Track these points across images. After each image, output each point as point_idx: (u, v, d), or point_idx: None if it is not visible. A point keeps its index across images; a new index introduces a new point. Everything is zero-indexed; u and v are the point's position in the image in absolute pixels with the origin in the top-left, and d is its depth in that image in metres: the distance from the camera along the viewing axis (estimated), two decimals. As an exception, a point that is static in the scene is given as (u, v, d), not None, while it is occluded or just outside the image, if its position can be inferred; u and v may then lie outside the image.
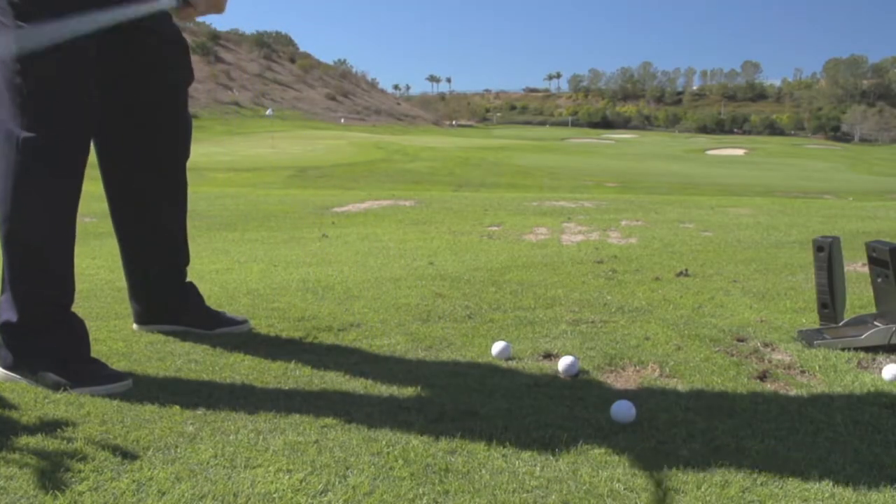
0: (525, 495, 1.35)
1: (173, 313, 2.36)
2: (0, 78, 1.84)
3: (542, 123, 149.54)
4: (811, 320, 2.64)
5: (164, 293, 2.35)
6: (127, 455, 1.46)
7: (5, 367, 1.91)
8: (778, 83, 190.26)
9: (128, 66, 2.10)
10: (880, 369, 2.11)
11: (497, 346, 2.21)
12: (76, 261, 2.04)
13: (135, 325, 2.40)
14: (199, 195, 8.18)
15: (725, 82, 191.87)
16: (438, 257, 4.11)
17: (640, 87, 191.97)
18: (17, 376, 1.89)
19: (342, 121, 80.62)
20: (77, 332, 1.98)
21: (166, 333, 2.34)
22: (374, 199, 8.28)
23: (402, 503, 1.32)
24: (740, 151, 64.54)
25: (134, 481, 1.36)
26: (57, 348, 1.90)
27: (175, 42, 2.20)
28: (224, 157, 29.71)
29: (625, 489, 1.39)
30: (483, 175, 27.64)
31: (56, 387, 1.81)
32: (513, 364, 2.14)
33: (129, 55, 2.09)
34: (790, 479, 1.44)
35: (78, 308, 2.08)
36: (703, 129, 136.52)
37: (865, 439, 1.64)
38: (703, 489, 1.39)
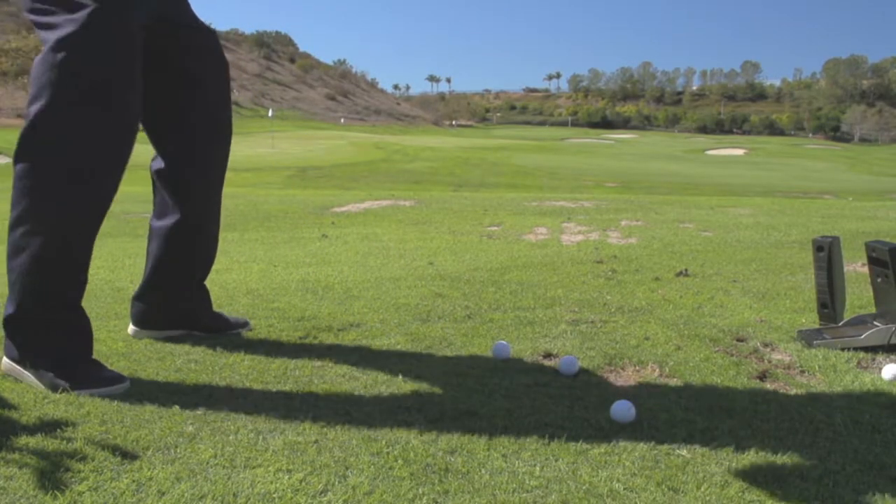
0: (525, 495, 1.35)
1: (182, 314, 2.35)
2: (43, 71, 1.80)
3: (542, 123, 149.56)
4: (811, 320, 2.65)
5: (183, 297, 2.34)
6: (127, 455, 1.46)
7: (11, 359, 1.92)
8: (778, 83, 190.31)
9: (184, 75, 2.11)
10: (880, 369, 2.11)
11: (497, 346, 2.21)
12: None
13: (132, 328, 2.34)
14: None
15: (725, 82, 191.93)
16: (438, 257, 4.11)
17: (639, 87, 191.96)
18: (21, 369, 1.89)
19: (342, 121, 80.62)
20: (82, 331, 1.98)
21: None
22: (374, 199, 8.28)
23: (401, 503, 1.32)
24: (740, 151, 64.54)
25: (134, 481, 1.35)
26: (59, 347, 1.89)
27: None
28: (224, 157, 29.61)
29: (625, 489, 1.38)
30: (483, 175, 27.63)
31: (54, 388, 1.81)
32: (513, 364, 2.14)
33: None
34: (790, 479, 1.44)
35: (78, 308, 2.08)
36: (703, 129, 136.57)
37: (865, 439, 1.64)
38: (703, 489, 1.39)
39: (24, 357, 1.89)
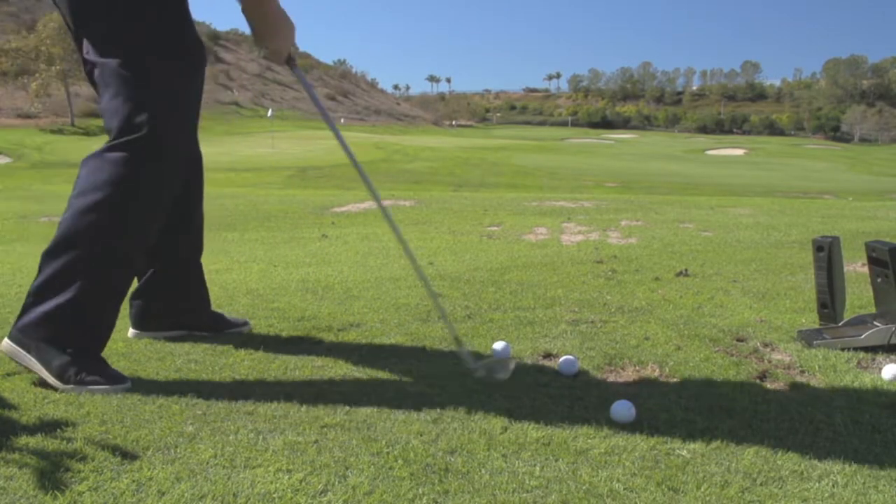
0: (525, 495, 1.35)
1: (182, 315, 2.35)
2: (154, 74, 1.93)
3: (542, 123, 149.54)
4: (811, 320, 2.64)
5: (181, 297, 2.35)
6: (127, 455, 1.46)
7: (14, 342, 1.89)
8: (778, 83, 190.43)
9: None
10: (880, 369, 2.11)
11: (497, 346, 2.21)
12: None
13: (132, 332, 2.35)
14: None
15: (725, 82, 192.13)
16: (438, 257, 4.11)
17: (639, 87, 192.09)
18: (24, 353, 1.87)
19: (342, 121, 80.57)
20: (107, 325, 1.98)
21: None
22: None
23: (401, 503, 1.32)
24: (740, 151, 64.54)
25: (134, 481, 1.36)
26: (81, 335, 1.89)
27: None
28: (224, 157, 29.67)
29: (625, 489, 1.39)
30: (483, 175, 27.61)
31: (61, 374, 1.82)
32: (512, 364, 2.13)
33: None
34: (790, 479, 1.44)
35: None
36: (703, 129, 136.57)
37: (865, 439, 1.64)
38: (703, 489, 1.39)
39: (37, 338, 1.86)
